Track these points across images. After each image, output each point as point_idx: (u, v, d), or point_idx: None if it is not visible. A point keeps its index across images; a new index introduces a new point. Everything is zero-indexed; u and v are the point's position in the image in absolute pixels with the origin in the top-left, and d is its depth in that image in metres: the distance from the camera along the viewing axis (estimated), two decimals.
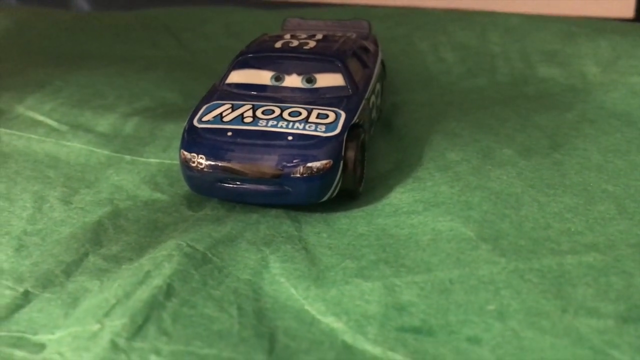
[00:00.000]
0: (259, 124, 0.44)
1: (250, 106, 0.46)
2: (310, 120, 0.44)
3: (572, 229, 0.42)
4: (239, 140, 0.43)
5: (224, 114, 0.45)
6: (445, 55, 0.71)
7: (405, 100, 0.62)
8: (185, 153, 0.44)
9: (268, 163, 0.42)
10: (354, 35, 0.57)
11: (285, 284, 0.38)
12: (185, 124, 0.46)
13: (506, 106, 0.59)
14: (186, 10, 0.85)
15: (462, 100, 0.62)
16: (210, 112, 0.46)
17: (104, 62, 0.69)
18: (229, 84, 0.49)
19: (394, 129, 0.56)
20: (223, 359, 0.32)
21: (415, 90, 0.64)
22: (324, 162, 0.43)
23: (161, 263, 0.38)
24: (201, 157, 0.43)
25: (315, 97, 0.47)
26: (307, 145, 0.43)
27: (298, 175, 0.42)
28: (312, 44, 0.51)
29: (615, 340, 0.34)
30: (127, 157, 0.52)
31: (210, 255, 0.40)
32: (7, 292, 0.38)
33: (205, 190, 0.45)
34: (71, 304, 0.38)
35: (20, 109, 0.59)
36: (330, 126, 0.44)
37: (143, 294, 0.36)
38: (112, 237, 0.43)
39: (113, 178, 0.50)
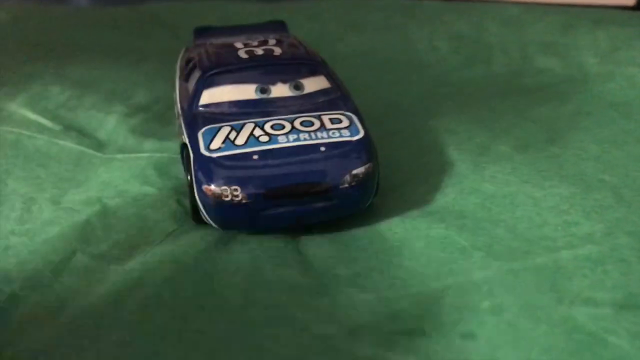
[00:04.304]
0: (281, 141, 0.41)
1: (253, 124, 0.42)
2: (327, 127, 0.42)
3: (569, 220, 0.42)
4: (270, 161, 0.40)
5: (230, 137, 0.41)
6: (440, 44, 0.70)
7: (399, 92, 0.61)
8: (214, 188, 0.39)
9: (313, 178, 0.40)
10: (292, 37, 0.53)
11: (277, 291, 0.37)
12: (184, 159, 0.43)
13: (503, 99, 0.58)
14: (181, 4, 0.84)
15: (457, 92, 0.61)
16: (213, 137, 0.42)
17: (98, 55, 0.69)
18: (205, 106, 0.44)
19: (387, 126, 0.56)
20: None
21: (410, 81, 0.64)
22: (367, 165, 0.41)
23: (152, 269, 0.38)
24: (235, 189, 0.39)
25: (309, 104, 0.45)
26: (344, 152, 0.41)
27: (346, 185, 0.40)
28: (277, 50, 0.48)
29: (612, 327, 0.34)
30: (119, 156, 0.52)
31: (202, 260, 0.39)
32: None
33: (243, 223, 0.41)
34: (58, 305, 0.37)
35: (13, 107, 0.58)
36: (352, 129, 0.43)
37: (133, 303, 0.36)
38: (101, 236, 0.43)
39: (103, 176, 0.49)
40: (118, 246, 0.41)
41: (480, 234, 0.41)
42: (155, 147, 0.52)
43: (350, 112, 0.45)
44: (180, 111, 0.47)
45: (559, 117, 0.55)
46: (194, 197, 0.42)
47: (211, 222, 0.41)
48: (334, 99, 0.46)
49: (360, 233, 0.42)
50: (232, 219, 0.40)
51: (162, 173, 0.49)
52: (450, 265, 0.39)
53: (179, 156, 0.48)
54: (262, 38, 0.51)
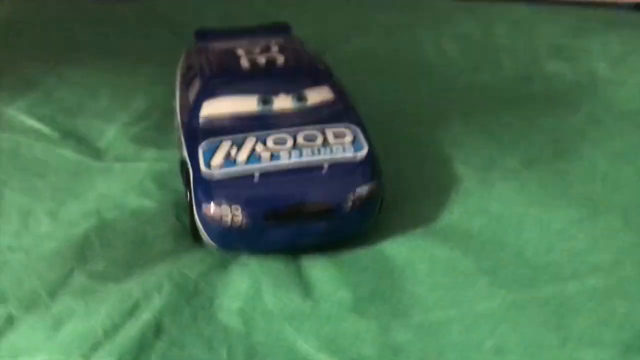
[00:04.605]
0: (282, 159, 0.40)
1: (254, 138, 0.41)
2: (331, 142, 0.41)
3: (576, 247, 0.41)
4: (271, 181, 0.39)
5: (231, 154, 0.40)
6: (448, 47, 0.68)
7: (405, 98, 0.60)
8: (214, 209, 0.39)
9: (316, 200, 0.39)
10: (296, 42, 0.51)
11: (278, 317, 0.37)
12: (183, 176, 0.42)
13: (510, 108, 0.57)
14: (183, 1, 0.82)
15: (465, 98, 0.60)
16: (214, 154, 0.41)
17: (98, 55, 0.67)
18: (206, 118, 0.43)
19: (392, 134, 0.55)
20: None
21: (417, 86, 0.62)
22: (370, 185, 0.40)
23: (151, 293, 0.38)
24: (236, 209, 0.38)
25: (312, 116, 0.44)
26: (347, 171, 0.40)
27: (349, 205, 0.39)
28: (280, 58, 0.46)
29: None
30: (117, 166, 0.51)
31: (202, 283, 0.39)
32: None
33: (243, 244, 0.40)
34: (54, 326, 0.37)
35: (11, 112, 0.57)
36: (356, 144, 0.41)
37: (132, 329, 0.35)
38: (98, 253, 0.42)
39: (101, 187, 0.48)
40: (116, 264, 0.41)
41: (486, 257, 0.40)
42: (154, 156, 0.51)
43: (355, 124, 0.43)
44: (180, 124, 0.46)
45: (567, 127, 0.54)
46: (193, 216, 0.41)
47: (211, 242, 0.40)
48: (338, 110, 0.45)
49: (363, 253, 0.42)
50: (232, 240, 0.40)
51: (161, 185, 0.48)
52: (454, 293, 0.38)
53: (177, 166, 0.48)
54: (264, 43, 0.50)
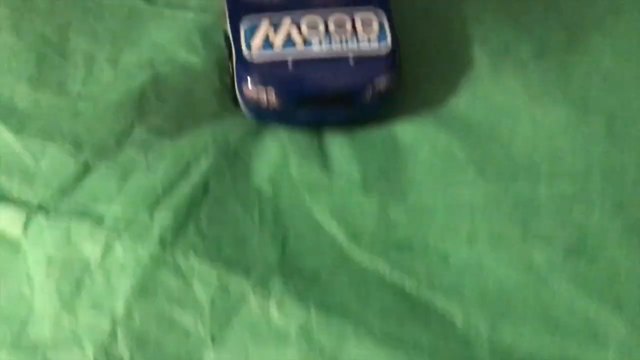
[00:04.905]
0: (314, 47, 0.46)
1: (290, 20, 0.47)
2: (358, 31, 0.47)
3: (556, 151, 0.48)
4: (302, 71, 0.45)
5: (269, 37, 0.46)
6: None
7: None
8: (252, 93, 0.46)
9: (339, 89, 0.46)
10: None
11: (299, 187, 0.45)
12: (226, 51, 0.47)
13: None
14: None
15: None
16: (253, 34, 0.47)
17: None
18: None
19: (417, 3, 0.57)
20: (246, 259, 0.42)
21: None
22: (389, 80, 0.47)
23: (199, 155, 0.46)
24: (270, 91, 0.45)
25: None
26: (370, 65, 0.46)
27: (368, 99, 0.46)
28: None
29: (558, 271, 0.42)
30: (167, 12, 0.56)
31: (240, 148, 0.47)
32: (71, 160, 0.46)
33: (274, 120, 0.47)
34: (123, 176, 0.45)
35: None
36: (381, 38, 0.47)
37: (184, 189, 0.44)
38: (154, 107, 0.49)
39: (153, 35, 0.54)
40: (170, 120, 0.48)
41: (478, 150, 0.48)
42: (201, 4, 0.56)
43: (382, 9, 0.48)
44: None
45: (587, 14, 0.56)
46: (234, 86, 0.47)
47: (247, 113, 0.48)
48: None
49: (376, 132, 0.49)
50: (265, 115, 0.48)
51: (206, 41, 0.53)
52: (445, 179, 0.46)
53: (219, 19, 0.53)
54: None
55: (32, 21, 0.54)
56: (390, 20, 0.48)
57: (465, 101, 0.51)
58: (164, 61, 0.52)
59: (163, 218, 0.43)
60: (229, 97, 0.50)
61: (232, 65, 0.48)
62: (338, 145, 0.48)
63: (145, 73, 0.51)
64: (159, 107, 0.49)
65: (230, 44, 0.48)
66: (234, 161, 0.46)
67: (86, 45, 0.53)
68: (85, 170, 0.46)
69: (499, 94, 0.51)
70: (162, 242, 0.42)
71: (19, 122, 0.47)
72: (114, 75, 0.51)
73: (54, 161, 0.46)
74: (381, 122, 0.50)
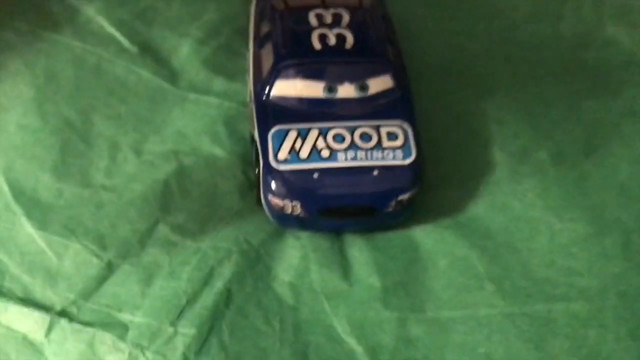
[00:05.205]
0: (339, 159, 0.46)
1: (317, 131, 0.47)
2: (384, 145, 0.47)
3: (573, 268, 0.48)
4: (327, 182, 0.46)
5: (296, 146, 0.47)
6: None
7: (459, 46, 0.62)
8: (277, 201, 0.46)
9: (364, 202, 0.46)
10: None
11: (320, 295, 0.46)
12: (255, 158, 0.48)
13: (558, 82, 0.60)
14: None
15: (520, 57, 0.62)
16: (281, 144, 0.47)
17: None
18: (276, 97, 0.49)
19: (439, 97, 0.58)
20: None
21: (475, 30, 0.64)
22: (412, 192, 0.47)
23: (222, 260, 0.47)
24: (295, 205, 0.46)
25: (370, 108, 0.49)
26: (394, 177, 0.47)
27: (391, 210, 0.47)
28: (349, 37, 0.50)
29: None
30: (192, 96, 0.56)
31: (262, 252, 0.47)
32: (94, 260, 0.47)
33: (296, 226, 0.48)
34: (146, 280, 0.46)
35: (90, 12, 0.60)
36: (406, 149, 0.48)
37: (207, 299, 0.45)
38: (178, 203, 0.50)
39: (177, 123, 0.54)
40: (193, 218, 0.49)
41: (497, 263, 0.48)
42: (224, 89, 0.56)
43: (407, 121, 0.49)
44: (252, 92, 0.51)
45: (605, 116, 0.58)
46: (259, 189, 0.48)
47: (270, 218, 0.48)
48: (394, 101, 0.50)
49: (396, 239, 0.50)
50: (288, 221, 0.48)
51: (230, 131, 0.54)
52: (463, 294, 0.47)
53: (244, 108, 0.53)
54: (335, 10, 0.53)
55: (57, 104, 0.54)
56: (415, 132, 0.49)
57: (484, 208, 0.51)
58: (188, 152, 0.53)
59: (187, 331, 0.43)
60: (253, 194, 0.50)
61: (258, 169, 0.48)
62: (358, 250, 0.49)
63: (169, 164, 0.52)
64: (183, 202, 0.50)
65: (257, 147, 0.48)
66: (256, 266, 0.47)
67: (110, 130, 0.53)
68: (109, 271, 0.46)
69: (516, 202, 0.51)
70: (185, 359, 0.43)
71: (42, 216, 0.48)
72: (137, 165, 0.51)
73: (77, 260, 0.46)
74: (402, 227, 0.50)
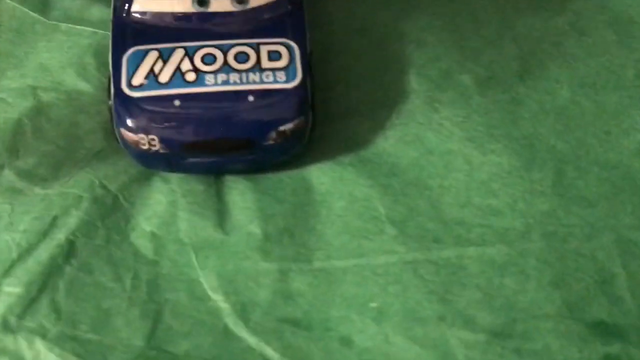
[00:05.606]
0: (207, 83, 0.39)
1: (183, 51, 0.40)
2: (263, 65, 0.39)
3: (492, 206, 0.41)
4: (192, 111, 0.38)
5: (155, 69, 0.39)
6: None
7: None
8: (129, 134, 0.39)
9: (235, 134, 0.39)
10: None
11: (187, 246, 0.39)
12: (107, 86, 0.41)
13: None
14: None
15: None
16: (137, 67, 0.39)
17: None
18: (137, 14, 0.41)
19: (355, 18, 0.50)
20: (104, 346, 0.35)
21: None
22: (296, 121, 0.39)
23: (69, 209, 0.39)
24: (153, 139, 0.38)
25: (252, 23, 0.41)
26: (273, 104, 0.39)
27: (271, 142, 0.39)
28: None
29: (478, 358, 0.36)
30: (63, 26, 0.49)
31: (121, 198, 0.40)
32: None
33: (161, 167, 0.41)
34: None
35: None
36: (290, 71, 0.40)
37: (43, 253, 0.38)
38: (30, 145, 0.43)
39: (42, 56, 0.47)
40: (45, 162, 0.42)
41: (402, 203, 0.41)
42: (101, 17, 0.49)
43: (295, 39, 0.41)
44: (112, 13, 0.43)
45: (546, 34, 0.49)
46: (113, 124, 0.41)
47: (130, 156, 0.41)
48: (282, 15, 0.42)
49: (287, 179, 0.42)
50: (150, 161, 0.40)
51: (100, 63, 0.46)
52: (359, 240, 0.39)
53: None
54: None
55: None
56: (304, 52, 0.41)
57: (393, 142, 0.43)
58: (48, 87, 0.45)
59: (11, 290, 0.36)
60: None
61: (111, 103, 0.41)
62: (239, 193, 0.41)
63: (25, 101, 0.44)
64: (35, 144, 0.42)
65: (109, 76, 0.41)
66: (111, 214, 0.40)
67: None
68: None
69: (431, 133, 0.44)
70: (5, 324, 0.36)
71: None
72: None
73: None
74: (295, 165, 0.43)
